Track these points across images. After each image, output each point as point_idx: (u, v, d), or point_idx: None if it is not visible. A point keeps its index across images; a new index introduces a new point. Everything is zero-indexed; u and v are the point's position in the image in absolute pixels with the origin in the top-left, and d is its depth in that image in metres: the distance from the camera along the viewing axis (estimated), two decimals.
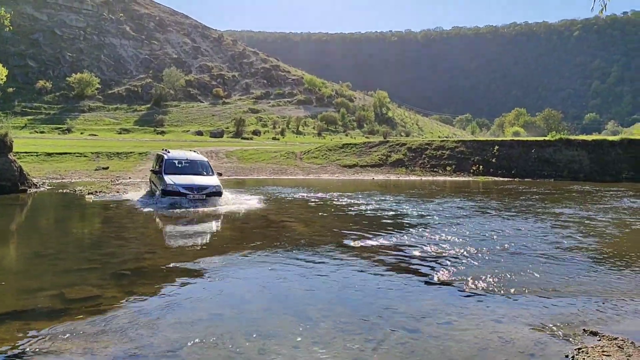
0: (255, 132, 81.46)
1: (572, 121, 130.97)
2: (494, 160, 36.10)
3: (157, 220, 15.13)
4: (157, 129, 78.36)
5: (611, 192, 24.20)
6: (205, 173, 19.33)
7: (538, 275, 8.79)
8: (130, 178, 28.50)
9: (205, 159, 20.55)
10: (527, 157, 35.88)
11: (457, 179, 33.41)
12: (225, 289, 7.95)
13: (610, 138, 39.78)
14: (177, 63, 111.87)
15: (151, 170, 21.19)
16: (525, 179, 32.84)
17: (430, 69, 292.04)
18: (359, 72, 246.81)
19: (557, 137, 37.98)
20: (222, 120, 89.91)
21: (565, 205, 19.15)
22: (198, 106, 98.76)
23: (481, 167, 35.43)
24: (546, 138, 39.22)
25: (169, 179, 17.74)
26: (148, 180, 22.63)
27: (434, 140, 42.49)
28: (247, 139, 73.78)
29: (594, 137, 41.71)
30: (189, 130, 79.50)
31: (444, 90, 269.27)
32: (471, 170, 35.28)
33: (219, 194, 17.85)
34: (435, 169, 36.11)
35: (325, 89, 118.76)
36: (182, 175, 18.29)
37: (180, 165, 19.31)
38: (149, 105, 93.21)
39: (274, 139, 76.27)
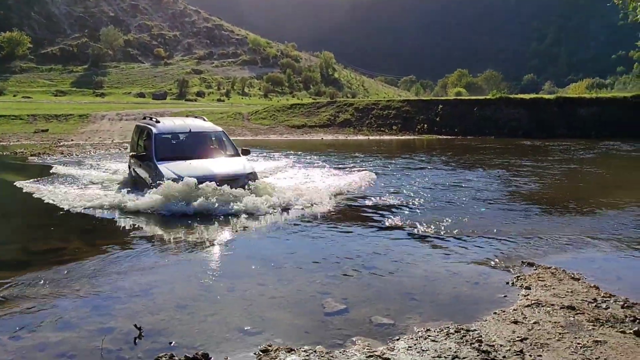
0: (200, 94, 79.82)
1: (512, 81, 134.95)
2: (438, 119, 37.13)
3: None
4: (97, 90, 75.42)
5: (552, 147, 25.57)
6: (223, 152, 12.07)
7: (484, 220, 9.48)
8: (72, 140, 27.66)
9: (220, 129, 12.71)
10: (470, 116, 37.10)
11: (403, 137, 34.27)
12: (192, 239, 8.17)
13: (547, 97, 41.55)
14: (115, 22, 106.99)
15: (131, 156, 12.83)
16: (468, 137, 34.07)
17: (375, 30, 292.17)
18: (304, 32, 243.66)
19: (498, 96, 39.32)
20: (164, 82, 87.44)
21: (513, 158, 20.19)
22: (139, 67, 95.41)
23: (426, 125, 36.39)
24: (487, 97, 40.55)
25: (167, 169, 10.53)
26: (127, 166, 14.08)
27: (380, 101, 43.14)
28: (191, 100, 72.26)
29: (532, 95, 43.38)
30: (130, 92, 76.93)
31: (388, 52, 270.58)
32: (417, 129, 36.22)
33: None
34: (382, 129, 36.84)
35: (270, 49, 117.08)
36: (188, 161, 10.98)
37: (179, 143, 11.81)
38: (86, 66, 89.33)
39: (219, 100, 75.02)
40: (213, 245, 7.83)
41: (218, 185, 9.80)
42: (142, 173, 11.56)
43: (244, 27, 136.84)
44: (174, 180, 9.89)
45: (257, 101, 73.53)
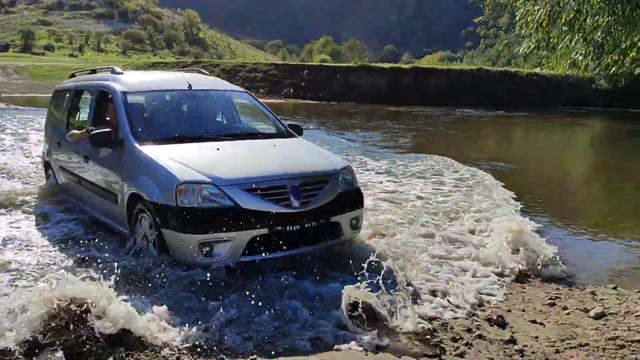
0: (48, 47, 72.79)
1: (374, 51, 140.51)
2: (303, 84, 37.77)
3: None
4: None
5: (414, 112, 27.31)
6: (272, 128, 5.78)
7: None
8: None
9: (241, 89, 6.61)
10: (333, 82, 38.22)
11: (270, 100, 34.40)
12: None
13: (404, 66, 44.11)
14: None
15: (58, 144, 6.29)
16: (332, 102, 35.13)
17: None
18: None
19: (360, 64, 40.90)
20: (5, 32, 78.29)
21: (385, 121, 21.32)
22: None
23: (292, 90, 36.89)
24: (350, 65, 41.98)
25: (174, 162, 4.24)
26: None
27: (247, 63, 42.73)
28: (39, 54, 65.74)
29: (391, 65, 45.73)
30: None
31: (255, 15, 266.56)
32: (283, 93, 36.57)
33: (355, 202, 4.69)
34: (249, 91, 36.64)
35: (129, 4, 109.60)
36: (204, 145, 4.68)
37: (175, 112, 5.47)
38: None
39: (71, 55, 69.12)
40: None
41: (297, 193, 4.16)
42: (98, 175, 5.17)
43: None
44: (198, 184, 3.99)
45: (115, 58, 68.83)
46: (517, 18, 8.69)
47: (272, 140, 5.20)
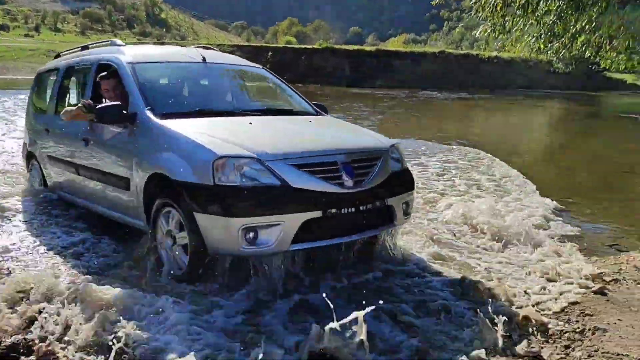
0: (3, 27, 70.03)
1: (339, 33, 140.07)
2: (268, 65, 37.32)
3: None
4: None
5: (379, 95, 27.55)
6: (288, 106, 4.94)
7: None
8: None
9: (258, 65, 5.55)
10: (299, 64, 38.12)
11: None
12: None
13: (368, 48, 44.29)
14: None
15: (46, 131, 5.38)
16: (297, 84, 35.07)
17: None
18: None
19: (324, 46, 40.91)
20: None
21: (351, 103, 21.52)
22: None
23: None
24: (314, 46, 41.91)
25: (204, 135, 3.50)
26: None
27: (211, 44, 42.18)
28: None
29: (355, 47, 45.82)
30: None
31: None
32: None
33: (407, 184, 4.03)
34: None
35: None
36: (235, 120, 4.07)
37: (192, 84, 4.79)
38: None
39: (27, 35, 66.69)
40: None
41: (350, 170, 3.52)
42: (103, 160, 4.34)
43: None
44: (239, 159, 3.29)
45: (74, 38, 66.82)
46: (473, 1, 8.93)
47: (304, 117, 4.61)
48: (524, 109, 24.78)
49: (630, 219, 5.76)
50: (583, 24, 7.66)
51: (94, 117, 4.06)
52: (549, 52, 9.57)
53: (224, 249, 3.28)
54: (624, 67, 10.26)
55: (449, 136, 12.50)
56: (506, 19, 8.58)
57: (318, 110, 4.85)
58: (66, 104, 5.34)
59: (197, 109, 4.13)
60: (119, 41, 5.01)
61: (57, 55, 6.36)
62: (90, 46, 5.60)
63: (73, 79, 5.53)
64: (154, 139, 3.72)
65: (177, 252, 3.52)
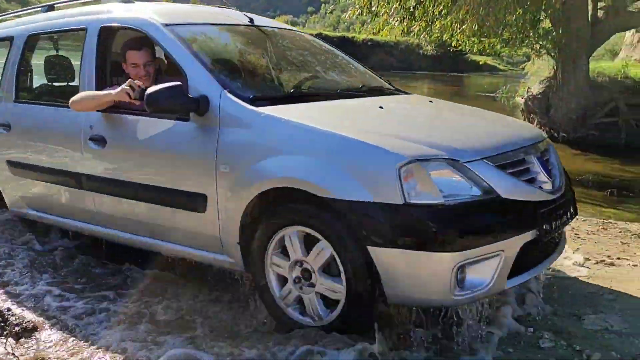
0: None
1: None
2: None
3: None
4: None
5: None
6: (365, 82, 3.57)
7: None
8: None
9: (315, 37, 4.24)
10: None
11: None
12: None
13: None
14: None
15: (5, 126, 3.71)
16: None
17: None
18: None
19: None
20: None
21: None
22: None
23: None
24: None
25: (366, 132, 2.36)
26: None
27: None
28: None
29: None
30: None
31: None
32: None
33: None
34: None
35: None
36: (349, 103, 3.00)
37: (260, 60, 3.50)
38: None
39: None
40: None
41: (545, 168, 2.61)
42: (141, 167, 2.97)
43: None
44: (432, 162, 2.21)
45: None
46: None
47: (415, 97, 3.70)
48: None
49: None
50: (441, 8, 8.34)
51: (142, 105, 2.64)
52: (411, 35, 10.27)
53: (424, 298, 2.24)
54: (476, 49, 11.30)
55: None
56: (373, 2, 9.07)
57: (397, 87, 3.79)
58: (31, 86, 4.00)
59: (292, 90, 3.11)
60: None
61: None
62: (56, 6, 3.93)
63: (35, 52, 3.93)
64: (263, 136, 2.47)
65: (309, 300, 2.40)
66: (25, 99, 3.76)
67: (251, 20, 3.50)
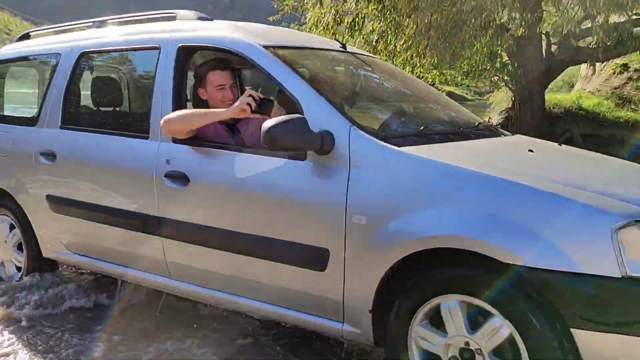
0: None
1: None
2: None
3: None
4: None
5: None
6: (458, 116, 3.11)
7: None
8: None
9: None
10: None
11: None
12: None
13: None
14: None
15: (50, 156, 3.18)
16: None
17: None
18: None
19: None
20: None
21: None
22: None
23: None
24: None
25: (557, 185, 1.93)
26: None
27: None
28: None
29: None
30: None
31: None
32: None
33: None
34: None
35: None
36: (514, 153, 2.59)
37: (368, 91, 3.19)
38: None
39: None
40: None
41: None
42: (244, 212, 2.45)
43: None
44: None
45: None
46: (308, 19, 9.63)
47: (521, 137, 3.20)
48: None
49: None
50: (401, 42, 8.65)
51: (266, 142, 2.12)
52: None
53: None
54: (438, 81, 11.68)
55: None
56: (337, 36, 9.37)
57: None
58: (83, 110, 3.38)
59: (421, 127, 2.53)
60: (201, 14, 3.02)
61: (25, 36, 4.00)
62: (109, 21, 3.48)
63: (92, 73, 3.45)
64: (416, 182, 2.04)
65: None
66: (76, 124, 3.18)
67: (344, 45, 3.15)
